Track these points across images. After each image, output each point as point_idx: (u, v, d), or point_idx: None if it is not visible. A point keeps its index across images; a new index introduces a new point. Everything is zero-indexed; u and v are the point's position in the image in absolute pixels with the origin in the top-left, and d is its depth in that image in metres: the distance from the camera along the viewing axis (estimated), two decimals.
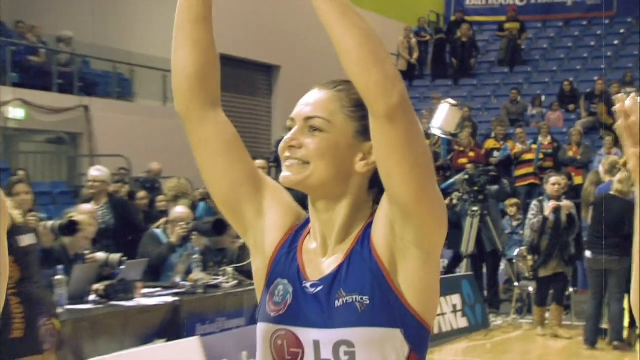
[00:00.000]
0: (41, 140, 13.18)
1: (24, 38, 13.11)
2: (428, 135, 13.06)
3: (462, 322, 8.46)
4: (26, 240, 4.18)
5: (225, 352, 5.63)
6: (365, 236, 1.53)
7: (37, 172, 12.27)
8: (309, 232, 1.61)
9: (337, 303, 1.49)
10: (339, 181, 1.54)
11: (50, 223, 5.64)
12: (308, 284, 1.53)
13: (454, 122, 9.40)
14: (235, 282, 6.73)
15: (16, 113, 11.92)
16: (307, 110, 1.55)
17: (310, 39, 16.39)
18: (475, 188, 9.69)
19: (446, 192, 12.14)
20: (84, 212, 6.22)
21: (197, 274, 6.44)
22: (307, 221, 1.62)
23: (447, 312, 8.30)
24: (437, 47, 17.40)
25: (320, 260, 1.56)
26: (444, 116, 9.38)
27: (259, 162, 6.68)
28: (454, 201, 10.26)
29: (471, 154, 12.65)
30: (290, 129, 1.57)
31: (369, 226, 1.54)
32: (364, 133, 1.52)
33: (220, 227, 6.57)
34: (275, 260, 1.59)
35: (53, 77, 12.70)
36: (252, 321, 6.74)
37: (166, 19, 13.51)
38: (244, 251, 7.18)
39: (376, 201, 1.55)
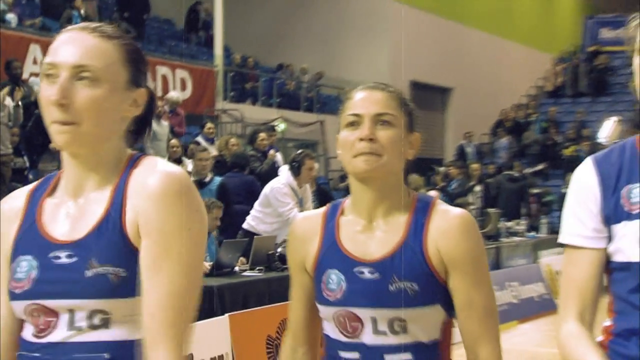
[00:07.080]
0: (291, 146, 17.75)
1: (283, 73, 17.95)
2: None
3: None
4: None
5: None
6: (417, 229, 1.77)
7: None
8: (342, 213, 1.84)
9: (391, 288, 1.73)
10: (400, 168, 1.82)
11: None
12: (364, 269, 1.76)
13: (615, 133, 13.40)
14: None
15: (280, 127, 16.58)
16: (377, 107, 1.77)
17: (478, 66, 20.61)
18: None
19: None
20: None
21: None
22: (334, 210, 1.86)
23: None
24: (576, 72, 21.58)
25: (368, 236, 1.80)
26: (609, 129, 13.43)
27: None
28: None
29: None
30: (352, 124, 1.77)
31: (418, 217, 1.78)
32: (411, 125, 1.83)
33: None
34: (320, 256, 1.82)
35: (300, 100, 17.40)
36: None
37: (372, 53, 18.72)
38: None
39: (406, 182, 1.85)
